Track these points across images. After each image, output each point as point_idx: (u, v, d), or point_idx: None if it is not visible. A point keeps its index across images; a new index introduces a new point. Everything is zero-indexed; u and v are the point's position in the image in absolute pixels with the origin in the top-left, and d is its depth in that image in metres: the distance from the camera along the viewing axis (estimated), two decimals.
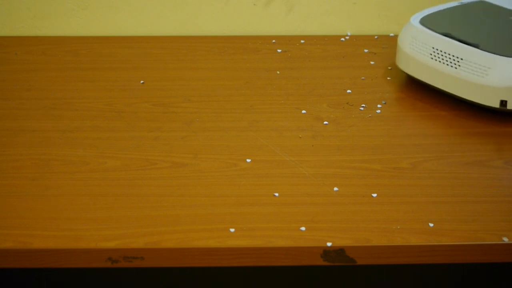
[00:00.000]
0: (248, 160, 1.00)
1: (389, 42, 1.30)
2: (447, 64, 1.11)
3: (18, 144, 1.04)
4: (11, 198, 0.94)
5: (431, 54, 1.13)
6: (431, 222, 0.90)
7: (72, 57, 1.26)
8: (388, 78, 1.20)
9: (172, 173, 0.98)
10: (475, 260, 0.88)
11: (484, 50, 1.08)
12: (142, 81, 1.19)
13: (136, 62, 1.24)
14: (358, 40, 1.31)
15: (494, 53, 1.07)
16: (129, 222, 0.90)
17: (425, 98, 1.15)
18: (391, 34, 1.33)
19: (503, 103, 1.07)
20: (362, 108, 1.12)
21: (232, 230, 0.88)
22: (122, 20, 1.34)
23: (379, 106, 1.12)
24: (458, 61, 1.10)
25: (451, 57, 1.10)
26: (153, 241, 0.87)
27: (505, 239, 0.87)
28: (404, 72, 1.18)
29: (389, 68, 1.22)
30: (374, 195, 0.94)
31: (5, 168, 0.99)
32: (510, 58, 1.06)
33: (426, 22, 1.16)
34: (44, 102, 1.13)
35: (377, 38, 1.32)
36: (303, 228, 0.89)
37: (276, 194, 0.94)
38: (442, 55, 1.11)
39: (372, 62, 1.24)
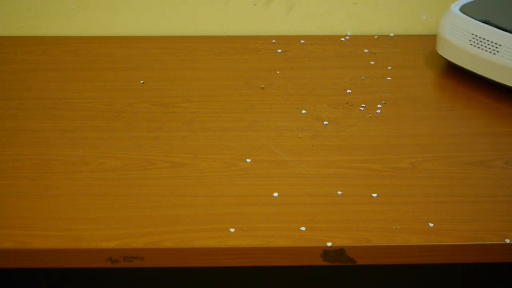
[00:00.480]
0: (248, 160, 1.00)
1: (389, 42, 1.30)
2: (486, 50, 1.13)
3: (18, 144, 1.04)
4: (11, 198, 0.94)
5: (470, 41, 1.15)
6: (431, 222, 0.90)
7: (72, 57, 1.26)
8: (388, 78, 1.20)
9: (172, 173, 0.98)
10: (475, 260, 0.88)
11: None
12: (142, 81, 1.19)
13: (136, 62, 1.24)
14: (358, 40, 1.31)
15: None
16: (129, 222, 0.90)
17: (425, 98, 1.15)
18: (391, 34, 1.33)
19: None
20: (362, 108, 1.12)
21: (232, 230, 0.89)
22: (122, 20, 1.34)
23: (379, 106, 1.12)
24: (496, 47, 1.12)
25: (490, 43, 1.13)
26: (153, 241, 0.87)
27: (507, 241, 0.87)
28: (442, 59, 1.19)
29: (389, 68, 1.22)
30: (374, 195, 0.94)
31: (5, 168, 0.99)
32: None
33: (466, 9, 1.18)
34: (44, 102, 1.13)
35: (377, 38, 1.32)
36: (303, 228, 0.89)
37: (276, 194, 0.93)
38: (481, 42, 1.14)
39: (372, 62, 1.24)
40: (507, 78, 1.13)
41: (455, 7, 1.19)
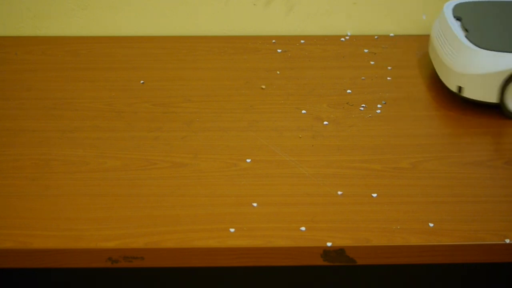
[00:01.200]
0: (248, 160, 1.00)
1: (389, 42, 1.30)
2: (441, 47, 1.13)
3: (18, 144, 1.04)
4: (11, 198, 0.94)
5: (437, 36, 1.15)
6: (431, 222, 0.90)
7: (72, 57, 1.26)
8: (388, 78, 1.19)
9: (172, 173, 0.98)
10: (475, 260, 0.88)
11: (465, 37, 1.08)
12: (142, 81, 1.19)
13: (136, 62, 1.24)
14: (358, 40, 1.31)
15: (467, 40, 1.08)
16: (129, 222, 0.90)
17: (425, 98, 1.15)
18: (391, 34, 1.33)
19: (460, 89, 1.08)
20: (362, 108, 1.12)
21: (232, 230, 0.89)
22: (122, 20, 1.34)
23: (379, 106, 1.12)
24: (445, 44, 1.12)
25: (443, 39, 1.12)
26: (153, 241, 0.87)
27: (507, 241, 0.87)
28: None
29: (389, 68, 1.22)
30: (374, 195, 0.94)
31: (5, 168, 0.99)
32: (476, 48, 1.07)
33: (456, 8, 1.17)
34: (44, 102, 1.13)
35: (377, 38, 1.32)
36: (303, 228, 0.89)
37: (255, 204, 0.93)
38: (441, 37, 1.13)
39: (372, 62, 1.24)
40: (442, 74, 1.12)
41: (449, 5, 1.18)
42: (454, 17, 1.14)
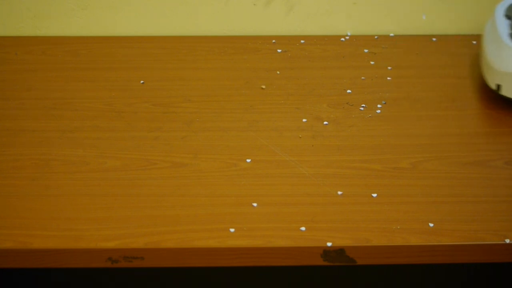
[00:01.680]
0: (248, 160, 1.01)
1: (389, 42, 1.30)
2: (486, 45, 1.12)
3: (18, 144, 1.04)
4: (11, 198, 0.94)
5: (485, 34, 1.14)
6: (431, 222, 0.90)
7: (72, 57, 1.26)
8: (388, 78, 1.19)
9: (172, 173, 0.98)
10: (475, 260, 0.88)
11: (509, 36, 1.08)
12: (142, 81, 1.19)
13: (136, 62, 1.24)
14: (358, 40, 1.31)
15: (509, 39, 1.08)
16: (129, 222, 0.90)
17: (425, 98, 1.15)
18: (391, 34, 1.33)
19: (498, 87, 1.08)
20: (362, 108, 1.12)
21: (232, 230, 0.89)
22: (122, 20, 1.34)
23: (379, 106, 1.12)
24: (490, 42, 1.11)
25: (490, 37, 1.12)
26: (153, 241, 0.87)
27: (507, 241, 0.87)
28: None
29: (389, 68, 1.22)
30: (374, 195, 0.94)
31: (5, 168, 0.99)
32: None
33: (511, 7, 1.16)
34: (44, 102, 1.13)
35: (377, 38, 1.32)
36: (303, 228, 0.89)
37: (255, 204, 0.93)
38: (488, 35, 1.12)
39: (372, 62, 1.24)
40: (485, 71, 1.11)
41: (504, 4, 1.17)
42: (505, 16, 1.13)
